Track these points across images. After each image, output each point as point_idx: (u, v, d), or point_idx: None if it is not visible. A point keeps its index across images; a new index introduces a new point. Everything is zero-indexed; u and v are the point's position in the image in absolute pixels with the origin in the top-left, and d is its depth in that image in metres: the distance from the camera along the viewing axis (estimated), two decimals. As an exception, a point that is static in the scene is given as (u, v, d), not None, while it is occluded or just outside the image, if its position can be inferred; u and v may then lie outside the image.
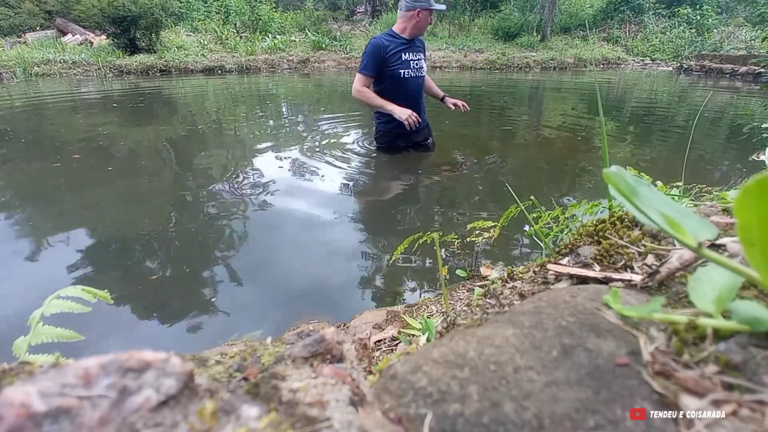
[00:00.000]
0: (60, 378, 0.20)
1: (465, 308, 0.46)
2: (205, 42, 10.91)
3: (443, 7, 2.69)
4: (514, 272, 0.50)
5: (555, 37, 13.89)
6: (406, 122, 2.57)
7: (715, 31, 13.19)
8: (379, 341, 1.02)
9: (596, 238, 0.48)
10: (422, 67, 2.72)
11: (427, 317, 1.03)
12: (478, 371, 0.26)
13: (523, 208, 0.92)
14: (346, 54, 11.30)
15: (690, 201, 0.85)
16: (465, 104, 2.87)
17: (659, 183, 1.03)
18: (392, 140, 2.88)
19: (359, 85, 2.63)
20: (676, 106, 5.80)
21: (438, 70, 11.07)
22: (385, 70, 2.61)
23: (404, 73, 2.63)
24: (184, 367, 0.23)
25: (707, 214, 0.49)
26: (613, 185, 0.30)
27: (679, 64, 11.68)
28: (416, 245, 1.10)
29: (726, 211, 0.49)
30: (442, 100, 2.96)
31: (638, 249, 0.43)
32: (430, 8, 2.58)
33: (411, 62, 2.64)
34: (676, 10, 14.55)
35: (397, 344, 0.97)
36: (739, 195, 0.23)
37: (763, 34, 6.66)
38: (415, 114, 2.58)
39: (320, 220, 2.06)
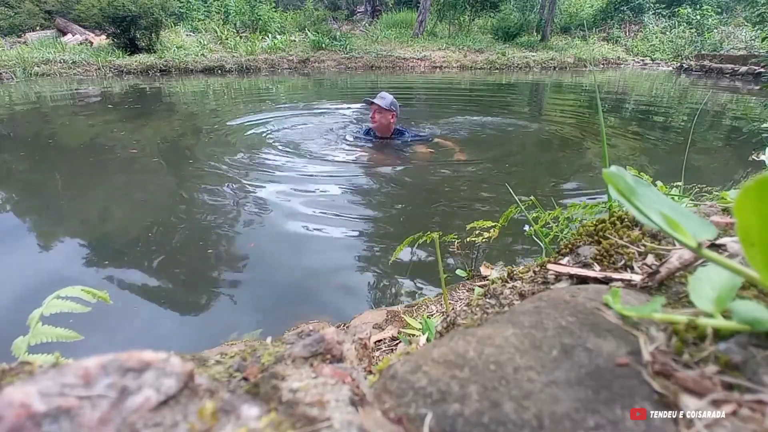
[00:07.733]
0: (60, 378, 0.20)
1: (465, 308, 0.46)
2: (205, 42, 10.88)
3: (374, 101, 2.91)
4: (514, 272, 0.50)
5: (555, 37, 13.88)
6: None
7: (715, 31, 13.16)
8: (379, 341, 1.02)
9: (596, 237, 0.48)
10: None
11: (427, 317, 1.03)
12: (478, 371, 0.26)
13: (522, 208, 0.92)
14: (346, 54, 11.28)
15: (690, 201, 0.85)
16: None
17: (659, 183, 1.03)
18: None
19: None
20: (676, 106, 5.80)
21: (438, 70, 11.06)
22: None
23: None
24: (184, 367, 0.23)
25: (707, 214, 0.49)
26: (612, 185, 0.30)
27: (679, 64, 11.67)
28: (416, 245, 1.10)
29: (726, 211, 0.49)
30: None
31: (638, 249, 0.43)
32: (368, 102, 2.95)
33: None
34: (676, 9, 14.53)
35: (397, 344, 0.97)
36: (739, 195, 0.23)
37: (763, 34, 6.65)
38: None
39: (320, 220, 2.06)
